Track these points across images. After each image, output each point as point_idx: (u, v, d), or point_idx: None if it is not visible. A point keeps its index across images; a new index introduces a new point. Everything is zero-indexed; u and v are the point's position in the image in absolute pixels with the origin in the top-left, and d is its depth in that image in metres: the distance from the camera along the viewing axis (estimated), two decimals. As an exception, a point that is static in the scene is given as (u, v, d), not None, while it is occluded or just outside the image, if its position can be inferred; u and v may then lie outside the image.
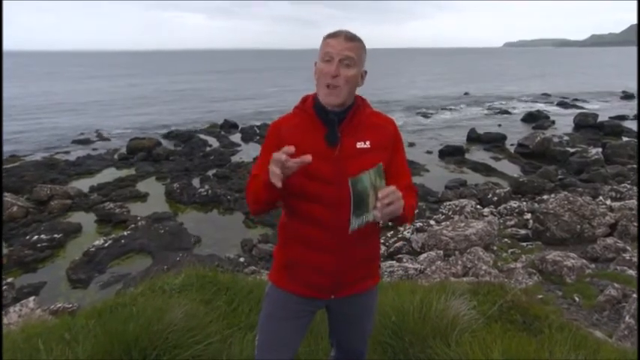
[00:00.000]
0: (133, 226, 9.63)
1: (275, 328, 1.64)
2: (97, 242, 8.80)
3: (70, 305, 5.58)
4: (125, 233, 9.24)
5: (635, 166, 13.65)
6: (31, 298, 4.33)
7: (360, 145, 1.48)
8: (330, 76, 1.42)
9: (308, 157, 1.29)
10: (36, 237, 9.08)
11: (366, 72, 1.53)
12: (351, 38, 1.44)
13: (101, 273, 8.06)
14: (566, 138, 19.51)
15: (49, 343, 2.36)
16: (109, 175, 14.31)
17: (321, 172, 1.45)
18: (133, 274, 7.76)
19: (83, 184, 13.15)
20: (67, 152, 17.61)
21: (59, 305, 5.53)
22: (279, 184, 1.27)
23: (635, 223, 6.58)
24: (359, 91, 1.59)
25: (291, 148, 1.27)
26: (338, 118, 1.48)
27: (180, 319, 2.48)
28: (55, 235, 9.25)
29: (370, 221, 1.34)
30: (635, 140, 16.58)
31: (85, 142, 19.64)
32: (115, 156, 16.79)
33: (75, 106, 31.53)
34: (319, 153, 1.46)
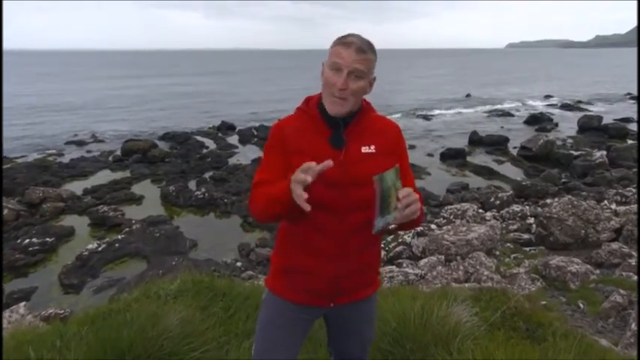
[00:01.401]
0: (127, 229, 9.53)
1: (272, 336, 1.61)
2: (90, 246, 8.68)
3: (62, 311, 5.45)
4: (119, 237, 9.13)
5: None
6: (22, 304, 4.23)
7: (365, 149, 1.46)
8: (337, 88, 1.40)
9: (329, 162, 1.25)
10: (27, 241, 8.93)
11: (374, 78, 1.50)
12: (363, 50, 1.40)
13: (94, 278, 7.95)
14: (570, 141, 19.44)
15: (40, 351, 2.33)
16: (103, 177, 14.17)
17: (327, 177, 1.40)
18: (128, 279, 7.63)
19: (76, 187, 12.99)
20: (60, 154, 17.41)
21: (51, 311, 5.41)
22: (308, 208, 1.22)
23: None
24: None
25: (312, 164, 1.24)
26: (343, 122, 1.46)
27: (176, 325, 2.46)
28: (47, 239, 9.10)
29: (391, 222, 1.31)
30: (640, 143, 16.46)
31: (79, 143, 19.44)
32: (110, 158, 16.61)
33: (69, 107, 31.24)
34: (325, 156, 1.41)
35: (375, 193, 1.27)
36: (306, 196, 1.22)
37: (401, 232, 8.15)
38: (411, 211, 1.28)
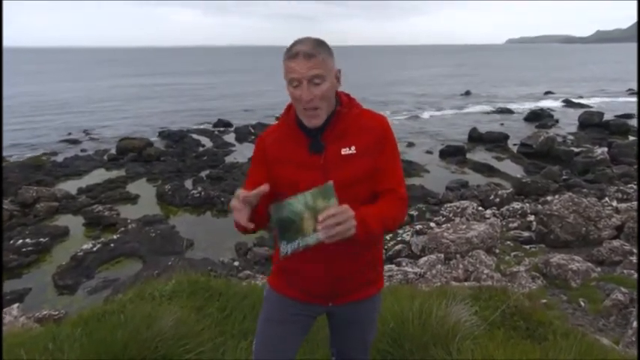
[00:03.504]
0: (122, 229, 9.50)
1: (272, 331, 1.61)
2: (85, 246, 8.62)
3: (57, 312, 5.43)
4: (114, 237, 9.10)
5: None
6: (15, 305, 4.19)
7: (345, 151, 1.43)
8: (304, 101, 1.37)
9: (265, 187, 1.34)
10: (20, 241, 8.84)
11: (339, 71, 1.46)
12: (311, 55, 1.35)
13: (89, 278, 7.90)
14: (570, 137, 19.40)
15: (33, 353, 2.30)
16: (97, 176, 14.07)
17: (308, 182, 1.40)
18: (123, 280, 7.57)
19: (71, 186, 12.90)
20: (53, 153, 17.21)
21: (45, 312, 5.39)
22: (250, 226, 1.34)
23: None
24: (353, 91, 1.53)
25: (243, 192, 1.32)
26: (320, 127, 1.43)
27: (171, 326, 2.44)
28: (41, 239, 9.02)
29: (312, 244, 1.28)
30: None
31: (73, 142, 19.24)
32: (105, 157, 16.49)
33: (63, 105, 30.91)
34: (305, 163, 1.43)
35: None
36: (244, 222, 1.32)
37: (400, 231, 8.12)
38: (339, 230, 1.22)
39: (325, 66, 1.38)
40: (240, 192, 1.32)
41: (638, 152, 14.72)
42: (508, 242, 7.30)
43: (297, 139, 1.46)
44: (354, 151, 1.43)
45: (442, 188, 12.77)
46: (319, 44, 1.39)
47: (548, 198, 10.21)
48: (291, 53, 1.37)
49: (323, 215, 1.22)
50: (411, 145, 18.41)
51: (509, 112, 27.76)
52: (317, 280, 1.52)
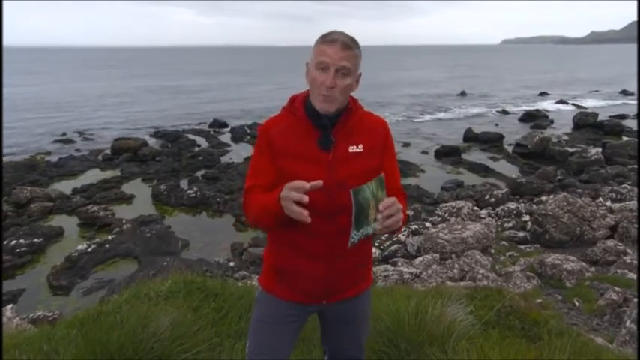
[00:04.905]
0: (117, 229, 9.47)
1: (265, 333, 1.61)
2: (79, 247, 8.56)
3: (51, 313, 5.41)
4: (109, 237, 9.07)
5: (635, 166, 13.58)
6: (9, 307, 4.14)
7: (352, 149, 1.45)
8: (325, 87, 1.38)
9: (320, 183, 1.27)
10: (15, 242, 8.78)
11: (360, 74, 1.48)
12: (348, 46, 1.39)
13: (84, 279, 7.85)
14: (565, 138, 19.52)
15: (27, 354, 2.29)
16: (92, 176, 14.03)
17: (315, 178, 1.39)
18: (118, 280, 7.54)
19: (65, 186, 12.86)
20: (48, 153, 17.20)
21: (39, 313, 5.37)
22: (309, 220, 1.25)
23: (636, 225, 6.52)
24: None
25: (303, 183, 1.25)
26: (331, 123, 1.44)
27: (167, 327, 2.43)
28: (35, 240, 8.97)
29: (370, 234, 1.34)
30: (636, 140, 16.49)
31: (68, 142, 19.18)
32: (99, 157, 16.43)
33: (57, 105, 30.73)
34: (312, 158, 1.43)
35: (351, 206, 1.27)
36: (306, 212, 1.24)
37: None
38: (392, 221, 1.29)
39: (355, 62, 1.42)
40: (302, 184, 1.25)
41: (639, 152, 14.79)
42: (503, 242, 7.33)
43: (306, 131, 1.45)
44: (362, 150, 1.46)
45: (437, 188, 12.82)
46: (356, 42, 1.42)
47: (543, 198, 10.28)
48: (329, 39, 1.39)
49: (384, 204, 1.27)
50: (406, 145, 18.45)
51: (505, 112, 27.89)
52: (317, 280, 1.52)
